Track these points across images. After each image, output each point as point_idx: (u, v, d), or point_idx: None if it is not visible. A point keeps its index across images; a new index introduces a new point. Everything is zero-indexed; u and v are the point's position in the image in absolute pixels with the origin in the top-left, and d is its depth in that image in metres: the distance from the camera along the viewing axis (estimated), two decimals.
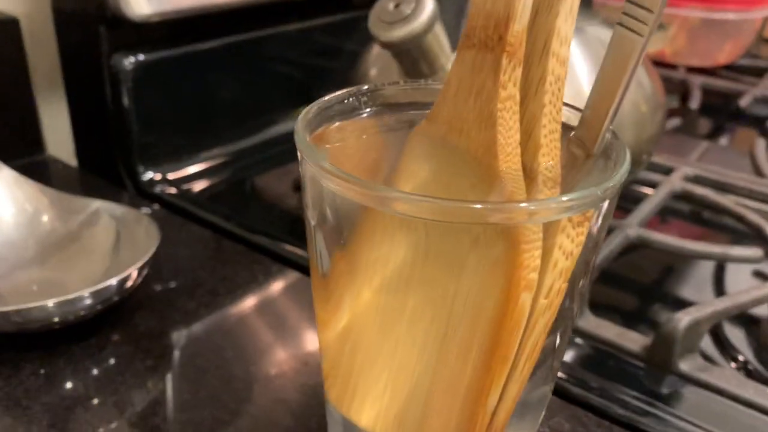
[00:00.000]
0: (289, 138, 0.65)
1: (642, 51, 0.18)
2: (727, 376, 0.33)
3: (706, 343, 0.38)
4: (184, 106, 0.51)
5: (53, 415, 0.30)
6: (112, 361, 0.33)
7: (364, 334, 0.21)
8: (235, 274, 0.40)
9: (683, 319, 0.34)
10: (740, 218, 0.46)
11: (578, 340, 0.36)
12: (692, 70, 0.77)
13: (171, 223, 0.44)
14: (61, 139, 0.53)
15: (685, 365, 0.34)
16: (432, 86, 0.23)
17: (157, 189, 0.48)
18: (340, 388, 0.23)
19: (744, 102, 0.70)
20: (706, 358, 0.36)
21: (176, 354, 0.34)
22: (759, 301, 0.37)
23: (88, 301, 0.32)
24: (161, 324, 0.36)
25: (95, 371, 0.32)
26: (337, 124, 0.22)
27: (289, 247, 0.42)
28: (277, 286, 0.40)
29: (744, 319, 0.40)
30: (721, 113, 0.72)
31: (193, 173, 0.51)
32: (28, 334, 0.33)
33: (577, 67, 0.40)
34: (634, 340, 0.35)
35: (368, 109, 0.22)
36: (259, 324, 0.36)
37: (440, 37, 0.38)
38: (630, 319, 0.41)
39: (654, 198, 0.47)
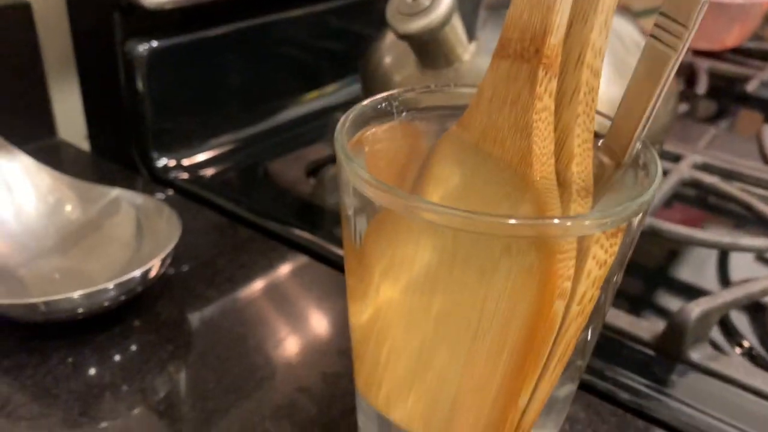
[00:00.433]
0: (300, 123, 0.65)
1: (675, 65, 0.18)
2: (735, 365, 0.34)
3: (713, 329, 0.39)
4: (196, 92, 0.51)
5: (83, 403, 0.30)
6: (136, 349, 0.34)
7: (390, 329, 0.22)
8: (253, 262, 0.40)
9: (694, 310, 0.34)
10: (748, 207, 0.47)
11: None
12: (699, 53, 0.77)
13: (186, 209, 0.45)
14: (73, 123, 0.53)
15: (695, 354, 0.34)
16: (462, 90, 0.23)
17: (171, 175, 0.49)
18: (367, 377, 0.24)
19: (751, 87, 0.70)
20: (713, 344, 0.37)
21: (198, 342, 0.34)
22: None
23: (113, 293, 0.33)
24: (182, 312, 0.36)
25: (120, 359, 0.33)
26: (372, 129, 0.22)
27: (304, 234, 0.43)
28: (294, 273, 0.40)
29: (750, 305, 0.40)
30: (727, 98, 0.72)
31: (206, 159, 0.51)
32: (54, 324, 0.34)
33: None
34: (645, 329, 0.36)
35: (401, 114, 0.22)
36: (278, 312, 0.37)
37: (458, 28, 0.38)
38: (637, 306, 0.42)
39: (663, 186, 0.48)
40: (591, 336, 0.21)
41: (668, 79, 0.19)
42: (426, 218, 0.18)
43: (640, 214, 0.18)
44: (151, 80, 0.47)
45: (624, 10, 0.45)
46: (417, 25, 0.36)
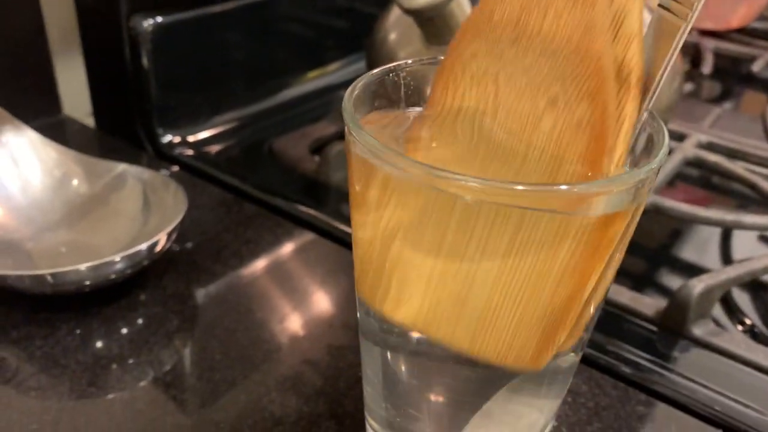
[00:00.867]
0: (305, 100, 0.65)
1: (683, 35, 0.18)
2: (737, 341, 0.34)
3: (715, 306, 0.39)
4: (201, 69, 0.51)
5: (91, 374, 0.31)
6: (143, 322, 0.34)
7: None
8: (259, 237, 0.41)
9: (697, 286, 0.35)
10: (752, 186, 0.47)
11: None
12: (704, 33, 0.76)
13: (191, 185, 0.45)
14: (78, 99, 0.53)
15: (697, 330, 0.35)
16: None
17: (176, 151, 0.49)
18: (372, 280, 0.22)
19: (756, 67, 0.70)
20: (714, 321, 0.37)
21: (204, 315, 0.35)
22: None
23: (119, 266, 0.33)
24: (188, 286, 0.37)
25: (127, 332, 0.33)
26: (379, 112, 0.22)
27: (309, 210, 0.43)
28: (299, 249, 0.41)
29: (751, 283, 0.41)
30: (733, 78, 0.72)
31: (210, 135, 0.52)
32: (61, 296, 0.34)
33: None
34: (647, 305, 0.36)
35: (410, 87, 0.22)
36: (283, 287, 0.37)
37: (464, 3, 0.38)
38: (640, 283, 0.42)
39: (667, 165, 0.48)
40: (594, 310, 0.21)
41: (677, 49, 0.19)
42: (441, 186, 0.18)
43: (648, 180, 0.18)
44: (156, 56, 0.47)
45: None
46: (423, 0, 0.36)
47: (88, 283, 0.33)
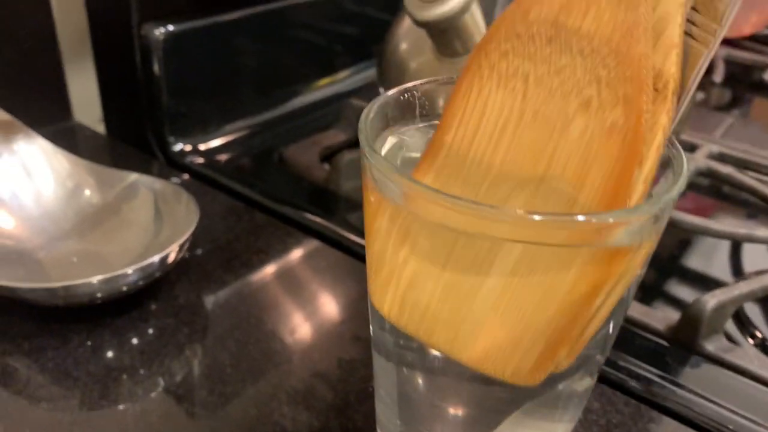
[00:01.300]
0: (315, 108, 0.65)
1: (706, 61, 0.18)
2: (749, 357, 0.34)
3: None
4: (212, 77, 0.51)
5: (102, 386, 0.31)
6: (154, 333, 0.34)
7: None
8: (269, 246, 0.41)
9: (710, 301, 0.34)
10: (764, 198, 0.47)
11: None
12: None
13: (202, 193, 0.45)
14: (88, 105, 0.53)
15: (709, 345, 0.35)
16: None
17: (187, 159, 0.49)
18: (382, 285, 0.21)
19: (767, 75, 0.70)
20: (726, 334, 0.37)
21: (215, 326, 0.35)
22: None
23: (132, 278, 0.33)
24: (200, 297, 0.37)
25: (139, 343, 0.33)
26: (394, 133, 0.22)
27: (319, 219, 0.43)
28: (310, 258, 0.41)
29: (763, 296, 0.40)
30: (744, 86, 0.72)
31: (221, 144, 0.52)
32: (73, 307, 0.34)
33: None
34: (659, 320, 0.36)
35: (424, 107, 0.22)
36: (294, 298, 0.37)
37: (476, 16, 0.38)
38: (650, 295, 0.42)
39: None
40: (612, 329, 0.21)
41: (699, 75, 0.18)
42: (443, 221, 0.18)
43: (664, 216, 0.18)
44: (167, 64, 0.47)
45: None
46: (436, 12, 0.36)
47: (100, 295, 0.33)
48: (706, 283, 0.44)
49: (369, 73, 0.62)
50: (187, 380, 0.32)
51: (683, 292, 0.43)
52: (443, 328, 0.20)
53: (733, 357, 0.34)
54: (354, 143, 0.49)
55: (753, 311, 0.40)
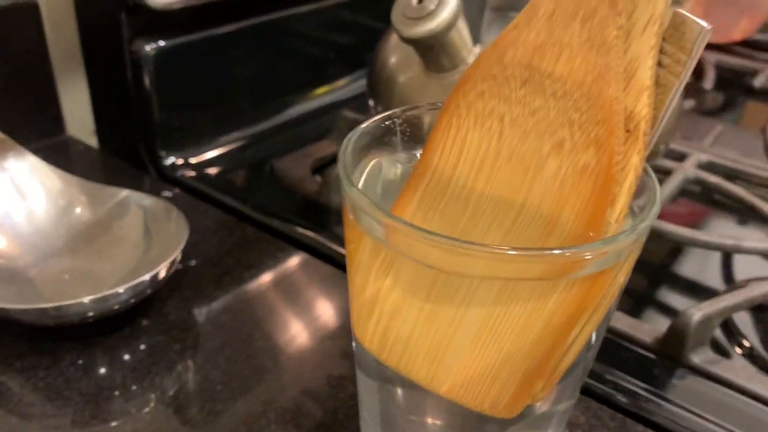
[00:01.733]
0: (306, 119, 0.65)
1: (677, 91, 0.18)
2: (735, 369, 0.34)
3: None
4: (204, 90, 0.51)
5: (94, 405, 0.31)
6: (145, 350, 0.34)
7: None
8: (260, 262, 0.41)
9: (696, 314, 0.35)
10: (752, 208, 0.47)
11: None
12: (707, 46, 0.76)
13: (194, 207, 0.45)
14: (81, 119, 0.54)
15: (696, 358, 0.35)
16: None
17: (179, 173, 0.49)
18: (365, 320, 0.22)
19: (759, 82, 0.70)
20: (713, 343, 0.37)
21: (206, 343, 0.35)
22: None
23: (123, 297, 0.33)
24: (191, 313, 0.37)
25: (130, 361, 0.34)
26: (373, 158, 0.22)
27: (310, 233, 0.43)
28: (301, 274, 0.41)
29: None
30: (735, 92, 0.72)
31: (213, 157, 0.52)
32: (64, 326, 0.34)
33: None
34: (646, 332, 0.36)
35: (405, 134, 0.23)
36: (285, 314, 0.38)
37: (463, 32, 0.38)
38: (640, 304, 0.42)
39: (667, 187, 0.48)
40: (595, 341, 0.22)
41: (671, 104, 0.19)
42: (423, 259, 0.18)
43: (640, 239, 0.19)
44: (158, 80, 0.47)
45: None
46: (422, 29, 0.36)
47: (91, 314, 0.33)
48: (696, 290, 0.44)
49: (362, 83, 0.62)
50: (178, 398, 0.32)
51: (675, 300, 0.44)
52: (423, 361, 0.20)
53: (720, 369, 0.34)
54: None
55: (742, 320, 0.40)
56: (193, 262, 0.40)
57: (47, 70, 0.50)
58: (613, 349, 0.36)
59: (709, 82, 0.69)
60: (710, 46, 0.76)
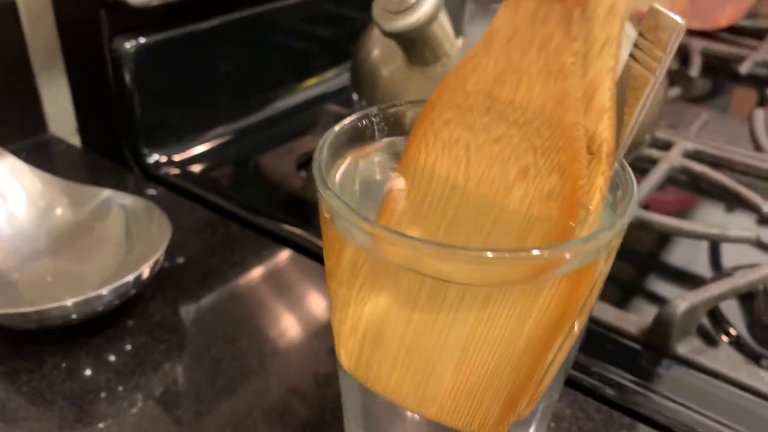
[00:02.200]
0: (291, 114, 0.64)
1: (653, 86, 0.18)
2: (721, 359, 0.35)
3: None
4: (186, 87, 0.51)
5: (78, 409, 0.31)
6: (130, 351, 0.34)
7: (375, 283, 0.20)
8: (245, 260, 0.41)
9: (681, 305, 0.35)
10: (737, 196, 0.47)
11: None
12: (692, 33, 0.76)
13: (178, 205, 0.45)
14: (63, 118, 0.53)
15: (681, 348, 0.35)
16: None
17: (163, 171, 0.49)
18: (346, 343, 0.22)
19: (744, 68, 0.70)
20: (700, 331, 0.37)
21: (191, 343, 0.35)
22: (756, 283, 0.38)
23: (107, 298, 0.33)
24: (175, 313, 0.37)
25: (114, 362, 0.33)
26: (350, 156, 0.22)
27: (295, 230, 0.43)
28: (286, 271, 0.41)
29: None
30: (721, 79, 0.72)
31: (197, 154, 0.52)
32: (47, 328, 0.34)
33: None
34: (632, 323, 0.36)
35: (383, 132, 0.22)
36: (270, 312, 0.37)
37: (444, 24, 0.38)
38: (628, 293, 0.42)
39: (653, 177, 0.48)
40: (578, 331, 0.21)
41: (647, 100, 0.19)
42: (405, 258, 0.18)
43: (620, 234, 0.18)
44: (139, 77, 0.47)
45: None
46: (403, 22, 0.36)
47: (74, 317, 0.33)
48: (684, 278, 0.44)
49: (346, 77, 0.61)
50: (163, 399, 0.32)
51: (661, 290, 0.44)
52: (411, 383, 0.20)
53: (706, 359, 0.34)
54: None
55: (729, 307, 0.40)
56: (177, 261, 0.40)
57: (27, 70, 0.50)
58: (599, 341, 0.36)
59: (695, 69, 0.69)
60: (696, 33, 0.76)
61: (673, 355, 0.35)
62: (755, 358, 0.36)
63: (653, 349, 0.35)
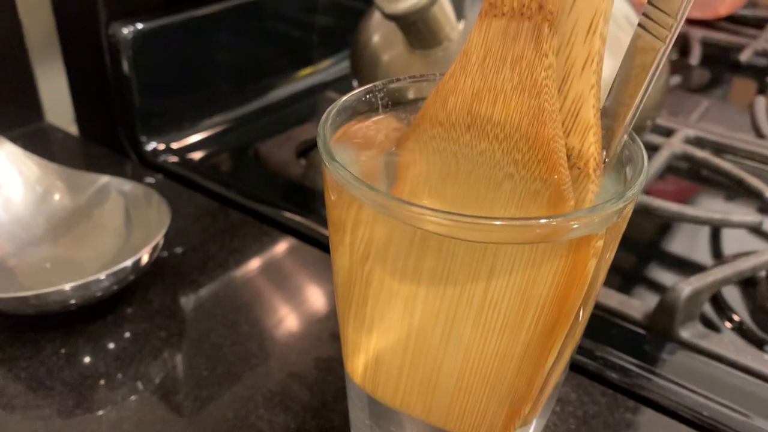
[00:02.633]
0: (290, 101, 0.64)
1: (663, 56, 0.18)
2: (725, 343, 0.34)
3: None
4: (184, 74, 0.50)
5: (77, 395, 0.31)
6: (129, 338, 0.34)
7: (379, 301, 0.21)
8: (244, 247, 0.40)
9: (685, 289, 0.35)
10: (739, 182, 0.47)
11: None
12: (692, 22, 0.76)
13: (176, 193, 0.45)
14: (60, 107, 0.53)
15: (685, 333, 0.35)
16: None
17: (161, 159, 0.48)
18: (353, 353, 0.23)
19: (744, 56, 0.70)
20: (703, 318, 0.37)
21: (191, 329, 0.34)
22: (759, 268, 0.38)
23: (105, 283, 0.33)
24: (175, 299, 0.36)
25: (114, 349, 0.33)
26: (356, 124, 0.22)
27: (295, 217, 0.43)
28: (286, 257, 0.40)
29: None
30: (721, 68, 0.72)
31: (195, 141, 0.51)
32: (46, 314, 0.34)
33: None
34: (635, 308, 0.36)
35: (387, 107, 0.22)
36: (270, 298, 0.37)
37: (446, 8, 0.37)
38: (629, 280, 0.42)
39: (655, 162, 0.48)
40: (582, 316, 0.21)
41: (657, 69, 0.18)
42: (417, 224, 0.18)
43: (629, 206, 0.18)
44: (137, 63, 0.46)
45: None
46: (405, 5, 0.36)
47: (73, 302, 0.33)
48: (685, 265, 0.44)
49: (346, 64, 0.61)
50: (163, 385, 0.31)
51: (664, 275, 0.43)
52: (418, 399, 0.21)
53: (709, 343, 0.34)
54: None
55: (731, 294, 0.40)
56: (176, 249, 0.40)
57: (24, 57, 0.49)
58: (603, 326, 0.36)
59: (695, 58, 0.69)
60: (696, 22, 0.76)
61: (677, 339, 0.35)
62: (758, 343, 0.36)
63: (657, 333, 0.35)
